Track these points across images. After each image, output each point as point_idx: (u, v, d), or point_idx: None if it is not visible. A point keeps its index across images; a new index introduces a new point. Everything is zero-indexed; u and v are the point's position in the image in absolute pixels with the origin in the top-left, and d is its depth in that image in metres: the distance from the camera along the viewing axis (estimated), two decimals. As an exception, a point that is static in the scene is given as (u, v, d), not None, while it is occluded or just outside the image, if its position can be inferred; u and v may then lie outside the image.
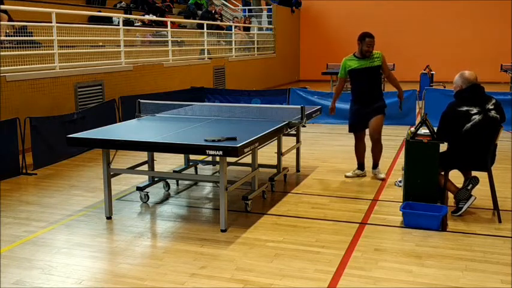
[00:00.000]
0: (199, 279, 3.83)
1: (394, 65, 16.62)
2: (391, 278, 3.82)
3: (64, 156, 7.72)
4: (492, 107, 4.85)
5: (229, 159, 4.94)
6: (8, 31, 8.22)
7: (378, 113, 6.31)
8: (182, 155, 6.84)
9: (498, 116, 4.84)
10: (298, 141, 6.82)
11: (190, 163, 6.64)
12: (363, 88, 6.35)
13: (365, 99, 6.35)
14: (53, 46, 8.55)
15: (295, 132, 6.68)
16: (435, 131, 5.07)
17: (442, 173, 5.02)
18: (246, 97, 11.57)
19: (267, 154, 7.02)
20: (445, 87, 13.42)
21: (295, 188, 6.16)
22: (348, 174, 6.58)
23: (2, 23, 7.96)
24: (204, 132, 5.12)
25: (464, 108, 4.83)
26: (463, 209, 5.01)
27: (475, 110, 4.80)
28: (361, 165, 6.58)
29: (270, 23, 19.72)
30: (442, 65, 18.67)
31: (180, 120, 5.93)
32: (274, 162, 6.40)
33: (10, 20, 8.59)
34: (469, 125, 4.80)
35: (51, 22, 8.50)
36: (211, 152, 4.44)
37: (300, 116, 5.89)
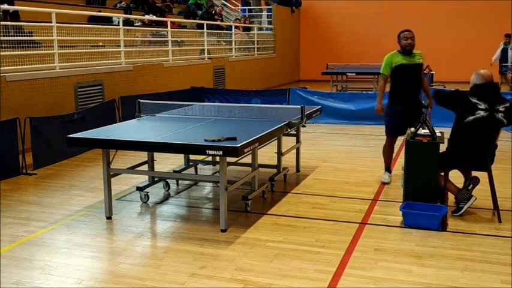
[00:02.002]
0: (199, 279, 3.83)
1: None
2: (391, 278, 3.82)
3: (64, 156, 7.72)
4: (503, 109, 4.80)
5: (229, 159, 4.94)
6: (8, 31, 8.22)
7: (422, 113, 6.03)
8: (182, 155, 6.84)
9: (505, 120, 4.81)
10: (298, 141, 6.81)
11: (190, 163, 6.64)
12: (409, 85, 6.00)
13: (411, 97, 6.01)
14: (53, 46, 8.55)
15: (295, 132, 6.68)
16: (435, 130, 5.07)
17: (442, 173, 5.02)
18: (246, 97, 11.56)
19: (267, 154, 7.02)
20: (445, 87, 13.40)
21: (295, 188, 6.16)
22: (386, 180, 6.21)
23: (2, 22, 7.95)
24: (204, 132, 5.12)
25: (475, 100, 4.80)
26: (464, 209, 5.00)
27: (482, 106, 4.78)
28: (389, 169, 6.34)
29: (270, 23, 19.72)
30: (442, 65, 18.66)
31: (180, 120, 5.93)
32: (274, 162, 6.40)
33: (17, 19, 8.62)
34: (471, 118, 4.78)
35: (51, 22, 8.49)
36: (211, 152, 4.44)
37: (300, 116, 5.88)
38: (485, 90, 4.87)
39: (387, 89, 6.21)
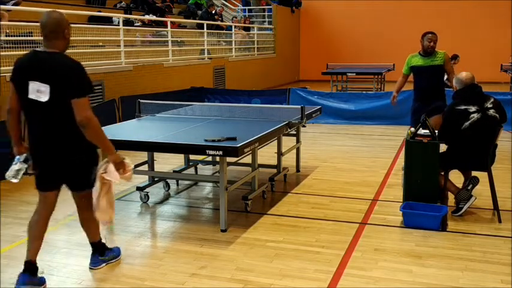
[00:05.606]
0: (199, 279, 3.83)
1: (394, 64, 16.62)
2: (391, 278, 3.82)
3: (64, 156, 7.69)
4: (491, 105, 4.86)
5: (229, 159, 4.94)
6: (8, 31, 8.21)
7: (437, 113, 5.98)
8: (182, 155, 6.84)
9: (497, 115, 4.85)
10: (298, 141, 6.81)
11: (190, 163, 6.64)
12: (423, 86, 6.34)
13: (425, 97, 6.29)
14: (53, 46, 8.53)
15: (295, 132, 6.68)
16: (435, 131, 5.07)
17: (442, 173, 5.02)
18: (246, 97, 11.57)
19: (267, 154, 7.02)
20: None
21: (295, 188, 6.16)
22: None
23: (2, 22, 7.95)
24: (204, 132, 5.12)
25: (463, 107, 4.84)
26: (463, 209, 5.01)
27: (473, 109, 4.81)
28: None
29: (270, 23, 19.73)
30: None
31: (180, 120, 5.93)
32: (274, 162, 6.40)
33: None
34: (467, 123, 4.81)
35: (51, 22, 8.48)
36: (211, 152, 4.45)
37: (300, 116, 5.89)
38: (469, 93, 4.92)
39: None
